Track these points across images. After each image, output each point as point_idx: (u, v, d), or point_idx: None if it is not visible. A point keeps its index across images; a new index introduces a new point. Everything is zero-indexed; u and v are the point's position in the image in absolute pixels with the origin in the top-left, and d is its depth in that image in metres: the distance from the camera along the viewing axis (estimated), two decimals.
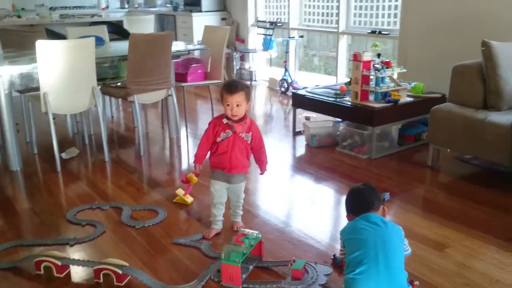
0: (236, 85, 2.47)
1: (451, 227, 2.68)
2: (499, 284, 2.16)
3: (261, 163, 2.64)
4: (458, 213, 2.86)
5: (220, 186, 2.58)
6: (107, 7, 8.78)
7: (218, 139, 2.50)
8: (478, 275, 2.23)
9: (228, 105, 2.43)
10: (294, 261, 2.23)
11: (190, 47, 4.62)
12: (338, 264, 2.29)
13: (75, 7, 8.67)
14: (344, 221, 2.77)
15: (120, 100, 5.78)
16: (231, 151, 2.50)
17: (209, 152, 2.58)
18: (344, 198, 3.07)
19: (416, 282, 2.10)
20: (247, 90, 2.49)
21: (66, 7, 8.57)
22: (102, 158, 3.87)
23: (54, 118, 4.63)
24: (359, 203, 2.06)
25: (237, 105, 2.43)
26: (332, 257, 2.35)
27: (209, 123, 2.54)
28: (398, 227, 1.99)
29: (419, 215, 2.86)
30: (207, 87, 5.13)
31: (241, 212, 2.72)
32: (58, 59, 3.46)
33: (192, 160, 3.88)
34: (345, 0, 5.53)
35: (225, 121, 2.49)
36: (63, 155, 3.89)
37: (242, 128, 2.50)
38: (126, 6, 9.15)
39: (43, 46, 3.38)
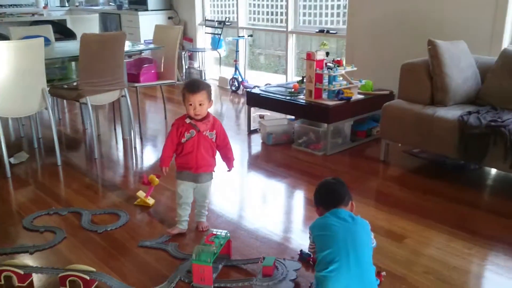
0: (198, 84, 2.50)
1: (407, 219, 2.81)
2: (456, 270, 2.30)
3: (228, 160, 2.66)
4: (412, 204, 3.00)
5: (186, 186, 2.58)
6: (47, 5, 8.48)
7: (183, 140, 2.50)
8: (436, 263, 2.36)
9: (191, 104, 2.45)
10: (264, 258, 2.27)
11: (142, 46, 4.56)
12: (305, 259, 2.35)
13: (11, 5, 8.29)
14: (307, 216, 2.88)
15: (65, 102, 5.61)
16: (197, 150, 2.51)
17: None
18: (304, 193, 3.20)
19: (383, 273, 2.20)
20: (209, 89, 2.53)
21: (1, 5, 8.18)
22: (54, 162, 3.75)
23: None
24: (330, 197, 2.11)
25: (200, 104, 2.45)
26: (299, 253, 2.41)
27: (172, 125, 2.55)
28: (365, 222, 2.07)
29: (377, 208, 2.98)
30: (159, 87, 5.09)
31: (207, 212, 2.73)
32: (5, 61, 3.31)
33: (152, 162, 3.88)
34: (292, 0, 5.63)
35: (188, 121, 2.50)
36: (12, 160, 3.73)
37: (205, 126, 2.51)
38: (67, 4, 8.86)
39: None
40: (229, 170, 2.70)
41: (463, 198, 3.07)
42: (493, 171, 3.53)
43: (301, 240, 2.55)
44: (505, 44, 3.83)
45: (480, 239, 2.57)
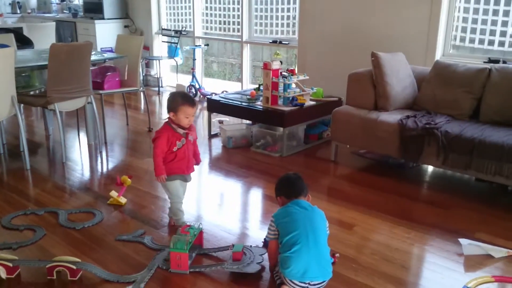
0: (193, 99, 2.78)
1: (355, 210, 3.19)
2: (398, 251, 2.68)
3: (197, 155, 2.95)
4: (359, 198, 3.39)
5: (178, 185, 2.84)
6: (1, 13, 8.40)
7: (175, 148, 2.74)
8: (381, 246, 2.73)
9: (187, 117, 2.70)
10: (233, 245, 2.57)
11: (106, 55, 4.75)
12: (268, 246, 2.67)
13: None
14: (266, 210, 3.21)
15: (22, 108, 5.67)
16: (188, 155, 2.81)
17: None
18: (263, 191, 3.51)
19: (337, 254, 2.56)
20: None
21: None
22: (21, 166, 3.89)
23: None
24: (292, 189, 2.44)
25: (192, 116, 2.74)
26: (263, 241, 2.72)
27: (160, 137, 2.72)
28: (321, 211, 2.41)
29: (328, 201, 3.35)
30: (120, 94, 5.28)
31: None
32: None
33: (118, 164, 4.07)
34: (246, 11, 5.96)
35: (181, 131, 2.74)
36: None
37: (193, 133, 2.81)
38: (19, 11, 8.80)
39: None
40: (197, 164, 2.96)
41: (404, 191, 3.50)
42: (429, 168, 3.99)
43: (262, 230, 2.85)
44: (437, 56, 4.32)
45: (417, 225, 2.98)
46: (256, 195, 3.54)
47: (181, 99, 2.70)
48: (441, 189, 3.57)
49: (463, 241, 2.71)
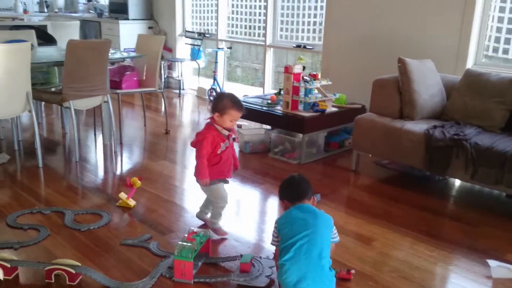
0: (241, 103, 2.66)
1: (375, 223, 3.00)
2: (419, 270, 2.48)
3: (235, 159, 2.82)
4: (380, 211, 3.20)
5: (224, 187, 2.75)
6: (27, 10, 8.49)
7: (219, 151, 2.63)
8: (401, 263, 2.54)
9: (232, 121, 2.61)
10: (241, 256, 2.42)
11: (125, 54, 4.68)
12: None
13: None
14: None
15: (43, 105, 5.66)
16: (232, 157, 2.71)
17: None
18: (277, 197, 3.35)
19: (352, 271, 2.38)
20: None
21: None
22: (35, 164, 3.82)
23: None
24: (295, 192, 2.29)
25: (237, 120, 2.65)
26: (274, 252, 2.56)
27: (206, 138, 2.59)
28: (327, 217, 2.23)
29: (347, 213, 3.16)
30: (138, 95, 5.20)
31: None
32: None
33: (132, 166, 3.98)
34: (271, 15, 5.84)
35: (226, 132, 2.63)
36: None
37: (236, 134, 2.72)
38: (46, 10, 8.88)
39: None
40: (236, 169, 2.83)
41: (427, 205, 3.29)
42: (457, 181, 3.77)
43: None
44: (468, 65, 4.10)
45: (441, 243, 2.78)
46: (271, 203, 3.38)
47: (231, 102, 2.59)
48: (468, 205, 3.35)
49: (491, 262, 2.50)
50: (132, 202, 3.13)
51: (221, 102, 2.60)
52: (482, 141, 3.18)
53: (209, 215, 2.88)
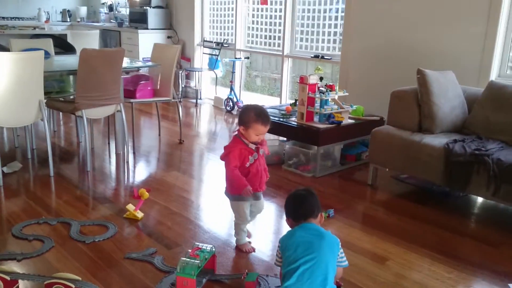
0: (268, 116, 2.57)
1: (390, 241, 2.86)
2: None
3: (266, 171, 2.75)
4: (396, 228, 3.06)
5: (248, 206, 2.66)
6: (48, 19, 8.61)
7: (247, 164, 2.56)
8: (417, 286, 2.40)
9: (258, 135, 2.54)
10: (247, 273, 2.32)
11: (139, 63, 4.65)
12: None
13: (13, 18, 8.43)
14: None
15: (61, 114, 5.68)
16: (261, 171, 2.62)
17: None
18: None
19: None
20: None
21: (4, 18, 8.31)
22: (46, 173, 3.79)
23: None
24: (300, 210, 2.16)
25: (263, 134, 2.58)
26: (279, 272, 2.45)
27: (232, 151, 2.54)
28: (334, 239, 2.09)
29: (361, 230, 3.03)
30: (153, 104, 5.17)
31: None
32: (5, 72, 3.38)
33: (144, 177, 3.93)
34: (289, 25, 5.76)
35: (253, 146, 2.57)
36: (5, 169, 3.77)
37: (265, 148, 2.64)
38: (68, 19, 8.99)
39: None
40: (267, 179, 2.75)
41: (447, 223, 3.14)
42: (479, 199, 3.60)
43: None
44: (492, 77, 3.94)
45: (461, 264, 2.63)
46: (282, 218, 3.25)
47: (255, 115, 2.50)
48: (490, 224, 3.18)
49: None
50: (139, 214, 3.06)
51: (245, 115, 2.52)
52: (505, 156, 3.02)
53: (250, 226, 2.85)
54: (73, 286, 2.18)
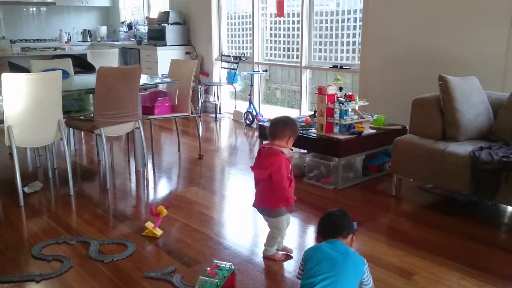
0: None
1: (417, 255, 2.76)
2: None
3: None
4: (422, 240, 2.95)
5: (285, 218, 2.68)
6: (69, 40, 8.75)
7: (289, 173, 2.57)
8: None
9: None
10: None
11: (157, 80, 4.66)
12: None
13: (35, 40, 8.61)
14: None
15: (83, 133, 5.73)
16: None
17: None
18: (313, 228, 3.17)
19: None
20: None
21: (26, 40, 8.49)
22: (67, 192, 3.80)
23: (10, 153, 4.56)
24: (328, 228, 2.10)
25: None
26: None
27: (281, 163, 2.52)
28: (360, 260, 2.02)
29: (386, 243, 2.93)
30: (172, 119, 5.17)
31: None
32: (24, 92, 3.41)
33: (164, 194, 3.90)
34: (306, 36, 5.72)
35: (289, 155, 2.59)
36: (26, 189, 3.79)
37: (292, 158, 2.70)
38: (89, 39, 9.13)
39: (9, 79, 3.34)
40: None
41: (476, 235, 3.01)
42: (508, 208, 3.46)
43: None
44: None
45: (492, 277, 2.51)
46: (305, 233, 3.18)
47: (293, 128, 2.60)
48: None
49: None
50: (158, 232, 3.02)
51: (295, 128, 2.61)
52: None
53: (284, 242, 2.83)
54: None
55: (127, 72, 3.87)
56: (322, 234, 2.11)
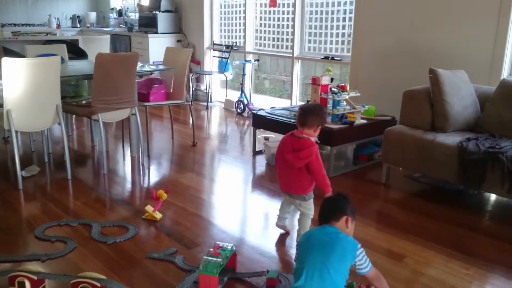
0: None
1: (407, 239, 2.90)
2: None
3: None
4: (412, 226, 3.09)
5: None
6: (59, 25, 8.70)
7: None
8: (435, 282, 2.44)
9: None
10: (268, 271, 2.36)
11: (153, 67, 4.71)
12: None
13: (24, 24, 8.53)
14: None
15: (74, 118, 5.75)
16: None
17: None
18: None
19: (373, 287, 2.26)
20: None
21: (15, 24, 8.41)
22: (64, 176, 3.86)
23: (7, 137, 4.59)
24: (321, 213, 2.17)
25: None
26: None
27: (317, 153, 2.63)
28: (351, 243, 2.02)
29: (377, 228, 3.07)
30: (166, 107, 5.23)
31: None
32: (24, 77, 3.45)
33: (159, 178, 3.98)
34: (298, 27, 5.81)
35: (315, 141, 2.69)
36: (23, 173, 3.83)
37: None
38: (78, 25, 9.09)
39: (8, 63, 3.37)
40: None
41: (462, 221, 3.16)
42: (493, 196, 3.63)
43: None
44: (504, 75, 3.97)
45: (477, 260, 2.65)
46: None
47: (322, 115, 2.68)
48: (505, 221, 3.21)
49: None
50: (158, 215, 3.11)
51: (323, 115, 2.68)
52: None
53: (287, 221, 2.97)
54: (99, 284, 2.22)
55: (125, 59, 3.93)
56: (319, 220, 2.20)
